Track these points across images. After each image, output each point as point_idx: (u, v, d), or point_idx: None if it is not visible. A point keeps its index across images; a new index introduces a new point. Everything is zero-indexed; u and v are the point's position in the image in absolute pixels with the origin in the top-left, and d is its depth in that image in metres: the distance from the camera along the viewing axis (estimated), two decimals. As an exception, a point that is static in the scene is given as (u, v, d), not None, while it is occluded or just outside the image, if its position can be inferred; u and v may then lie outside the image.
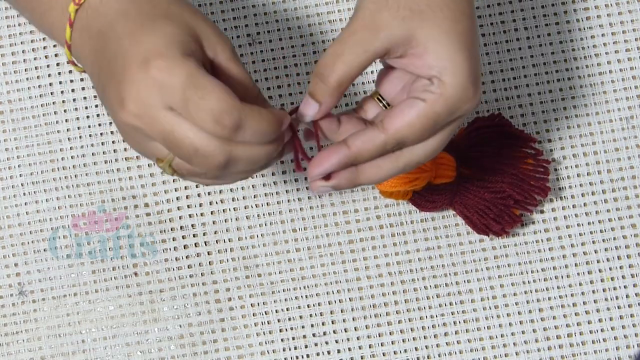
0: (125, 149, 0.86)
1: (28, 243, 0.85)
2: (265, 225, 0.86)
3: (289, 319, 0.85)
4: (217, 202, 0.86)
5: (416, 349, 0.85)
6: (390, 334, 0.85)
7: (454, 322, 0.85)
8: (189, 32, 0.60)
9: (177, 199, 0.86)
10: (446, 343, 0.85)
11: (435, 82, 0.61)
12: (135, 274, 0.85)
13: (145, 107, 0.58)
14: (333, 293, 0.85)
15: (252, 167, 0.61)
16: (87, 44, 0.63)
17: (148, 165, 0.86)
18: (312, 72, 0.63)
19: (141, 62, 0.58)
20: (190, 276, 0.85)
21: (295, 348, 0.84)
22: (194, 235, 0.86)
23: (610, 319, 0.85)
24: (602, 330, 0.85)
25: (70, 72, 0.87)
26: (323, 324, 0.85)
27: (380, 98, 0.66)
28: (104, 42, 0.61)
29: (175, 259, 0.85)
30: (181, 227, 0.86)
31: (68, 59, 0.66)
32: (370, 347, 0.84)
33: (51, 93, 0.87)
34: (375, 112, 0.66)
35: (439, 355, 0.85)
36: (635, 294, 0.85)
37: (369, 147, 0.62)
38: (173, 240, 0.86)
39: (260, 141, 0.60)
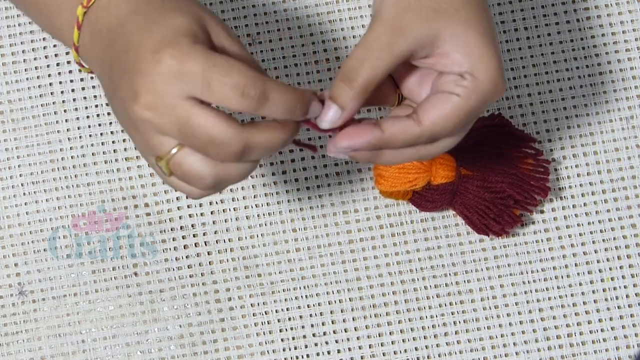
0: (125, 149, 0.86)
1: (28, 243, 0.85)
2: (265, 225, 0.86)
3: (289, 319, 0.85)
4: (217, 202, 0.86)
5: (416, 349, 0.85)
6: (390, 334, 0.85)
7: (454, 322, 0.85)
8: (197, 22, 0.60)
9: (177, 199, 0.86)
10: (446, 343, 0.85)
11: (467, 78, 0.61)
12: (135, 274, 0.85)
13: (160, 97, 0.58)
14: (333, 293, 0.85)
15: (266, 154, 0.60)
16: (97, 44, 0.63)
17: (148, 165, 0.86)
18: (335, 77, 0.62)
19: (153, 53, 0.57)
20: (190, 276, 0.85)
21: (295, 348, 0.85)
22: (194, 235, 0.86)
23: (610, 319, 0.85)
24: (602, 330, 0.85)
25: (70, 72, 0.87)
26: (323, 324, 0.85)
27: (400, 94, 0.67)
28: (114, 40, 0.61)
29: (175, 259, 0.85)
30: (181, 227, 0.86)
31: (75, 61, 0.66)
32: (370, 347, 0.84)
33: (51, 93, 0.87)
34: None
35: (439, 355, 0.85)
36: (635, 294, 0.85)
37: (403, 137, 0.61)
38: (173, 240, 0.86)
39: (286, 116, 0.59)
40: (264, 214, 0.86)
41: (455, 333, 0.85)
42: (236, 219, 0.86)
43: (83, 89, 0.87)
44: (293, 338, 0.85)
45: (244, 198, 0.86)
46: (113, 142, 0.86)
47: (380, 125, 0.62)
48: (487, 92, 0.62)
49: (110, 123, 0.86)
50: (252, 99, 0.57)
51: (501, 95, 0.63)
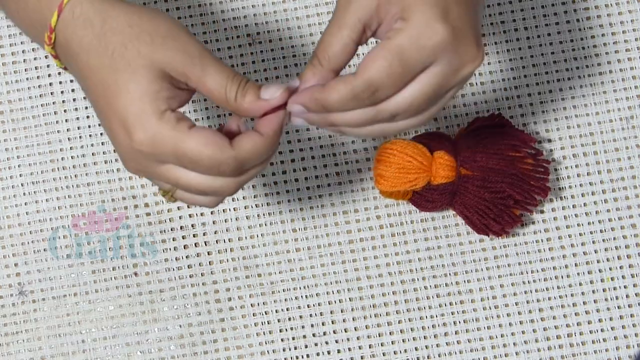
0: (125, 149, 0.86)
1: (28, 243, 0.85)
2: (265, 225, 0.86)
3: (289, 319, 0.85)
4: (217, 202, 0.86)
5: (416, 349, 0.85)
6: (390, 334, 0.85)
7: (454, 322, 0.85)
8: (157, 74, 0.61)
9: (177, 199, 0.86)
10: (446, 343, 0.85)
11: (397, 22, 0.61)
12: (135, 274, 0.85)
13: (142, 166, 0.62)
14: (333, 293, 0.85)
15: (264, 159, 0.63)
16: (69, 60, 0.64)
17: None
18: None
19: (125, 130, 0.60)
20: (190, 276, 0.85)
21: (295, 348, 0.84)
22: (194, 235, 0.86)
23: (610, 319, 0.85)
24: (602, 330, 0.85)
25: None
26: (323, 324, 0.85)
27: None
28: (82, 73, 0.62)
29: (175, 259, 0.85)
30: (181, 227, 0.86)
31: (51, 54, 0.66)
32: (370, 347, 0.84)
33: (51, 93, 0.87)
34: None
35: (439, 355, 0.85)
36: (635, 294, 0.85)
37: (343, 89, 0.61)
38: (173, 240, 0.86)
39: (264, 158, 0.63)
40: (264, 214, 0.86)
41: (455, 333, 0.85)
42: (236, 219, 0.86)
43: (83, 89, 0.87)
44: (293, 338, 0.85)
45: (244, 198, 0.86)
46: (113, 142, 0.86)
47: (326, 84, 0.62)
48: (418, 33, 0.59)
49: (110, 123, 0.86)
50: (230, 175, 0.62)
51: (443, 41, 0.60)
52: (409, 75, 0.60)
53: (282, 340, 0.85)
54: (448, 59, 0.60)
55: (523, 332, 0.85)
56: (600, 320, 0.85)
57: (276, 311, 0.85)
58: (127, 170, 0.63)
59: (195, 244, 0.85)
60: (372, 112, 0.62)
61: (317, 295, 0.85)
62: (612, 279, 0.86)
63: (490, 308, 0.85)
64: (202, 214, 0.86)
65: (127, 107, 0.60)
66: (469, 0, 0.62)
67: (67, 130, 0.86)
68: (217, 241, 0.86)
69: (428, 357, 0.85)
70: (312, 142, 0.86)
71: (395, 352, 0.84)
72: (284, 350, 0.84)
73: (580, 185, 0.87)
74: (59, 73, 0.87)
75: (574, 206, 0.86)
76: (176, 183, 0.62)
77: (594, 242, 0.86)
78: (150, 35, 0.61)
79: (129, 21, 0.61)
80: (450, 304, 0.85)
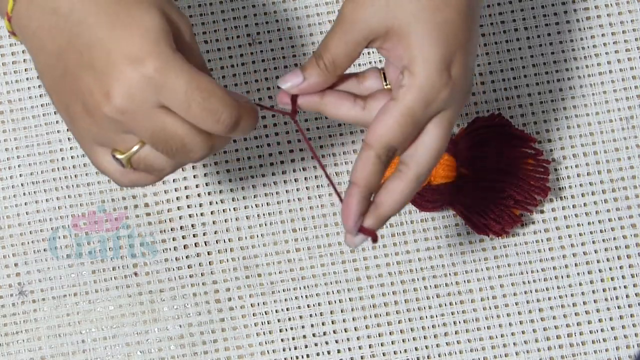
0: (125, 149, 0.86)
1: (28, 243, 0.85)
2: (265, 225, 0.86)
3: (289, 319, 0.85)
4: (217, 202, 0.86)
5: (416, 349, 0.85)
6: (390, 334, 0.85)
7: (454, 322, 0.85)
8: (163, 16, 0.60)
9: (177, 199, 0.86)
10: (446, 343, 0.85)
11: (405, 74, 0.61)
12: (135, 274, 0.85)
13: (136, 104, 0.58)
14: (333, 293, 0.85)
15: (251, 127, 0.63)
16: (38, 20, 0.61)
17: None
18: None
19: (133, 61, 0.57)
20: (190, 276, 0.85)
21: (295, 348, 0.85)
22: (194, 235, 0.86)
23: (610, 319, 0.85)
24: (602, 330, 0.85)
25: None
26: (323, 324, 0.85)
27: (385, 75, 0.67)
28: (67, 26, 0.60)
29: (175, 259, 0.85)
30: (181, 227, 0.86)
31: (8, 30, 0.63)
32: (370, 347, 0.84)
33: (51, 93, 0.87)
34: (375, 86, 0.66)
35: (439, 355, 0.85)
36: (635, 294, 0.85)
37: (368, 169, 0.62)
38: (173, 240, 0.86)
39: (245, 134, 0.62)
40: (264, 214, 0.86)
41: (455, 333, 0.85)
42: (236, 219, 0.86)
43: (83, 89, 0.87)
44: (293, 338, 0.85)
45: (244, 198, 0.86)
46: (113, 142, 0.86)
47: (350, 181, 0.63)
48: (426, 89, 0.61)
49: (110, 123, 0.86)
50: (225, 126, 0.60)
51: (444, 95, 0.61)
52: (421, 128, 0.63)
53: (282, 340, 0.85)
54: (452, 105, 0.63)
55: (523, 332, 0.85)
56: (600, 320, 0.85)
57: (276, 311, 0.85)
58: (94, 120, 0.59)
59: (195, 244, 0.85)
60: (414, 184, 0.63)
61: (317, 295, 0.85)
62: (612, 279, 0.86)
63: (490, 308, 0.85)
64: (202, 214, 0.86)
65: (142, 34, 0.58)
66: (470, 43, 0.63)
67: (67, 130, 0.86)
68: (217, 241, 0.86)
69: (428, 357, 0.85)
70: (312, 142, 0.86)
71: (395, 352, 0.84)
72: (284, 350, 0.84)
73: (580, 185, 0.87)
74: (59, 73, 0.87)
75: (574, 206, 0.86)
76: (160, 130, 0.59)
77: (594, 242, 0.86)
78: None
79: None
80: (450, 304, 0.85)
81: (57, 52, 0.61)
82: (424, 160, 0.63)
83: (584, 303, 0.85)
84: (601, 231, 0.86)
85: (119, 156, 0.61)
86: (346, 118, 0.64)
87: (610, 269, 0.86)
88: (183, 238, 0.86)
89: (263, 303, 0.85)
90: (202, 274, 0.85)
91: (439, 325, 0.85)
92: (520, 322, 0.85)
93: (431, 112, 0.62)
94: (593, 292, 0.85)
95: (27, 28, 0.62)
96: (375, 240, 0.64)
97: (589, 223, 0.86)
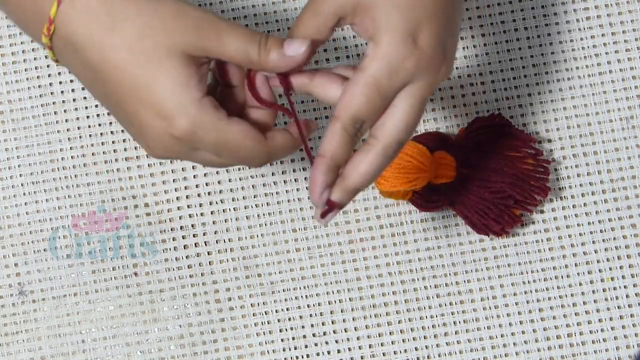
0: (125, 149, 0.86)
1: (28, 243, 0.85)
2: (265, 225, 0.86)
3: (289, 319, 0.85)
4: (217, 202, 0.86)
5: (416, 349, 0.85)
6: (390, 334, 0.85)
7: (454, 322, 0.85)
8: (182, 61, 0.60)
9: (177, 199, 0.86)
10: (446, 343, 0.85)
11: (370, 45, 0.61)
12: (135, 274, 0.85)
13: (175, 154, 0.63)
14: (333, 293, 0.85)
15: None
16: (67, 60, 0.64)
17: (148, 165, 0.86)
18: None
19: (163, 119, 0.60)
20: (190, 276, 0.85)
21: (295, 348, 0.85)
22: (194, 235, 0.86)
23: (610, 319, 0.85)
24: (602, 330, 0.85)
25: (70, 72, 0.87)
26: (323, 324, 0.85)
27: None
28: (96, 68, 0.61)
29: (175, 259, 0.85)
30: (181, 227, 0.86)
31: (52, 58, 0.65)
32: (370, 347, 0.84)
33: (51, 93, 0.87)
34: None
35: (439, 355, 0.85)
36: (635, 294, 0.85)
37: (334, 141, 0.62)
38: (173, 240, 0.86)
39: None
40: (264, 214, 0.86)
41: (455, 333, 0.85)
42: (236, 219, 0.86)
43: (83, 89, 0.87)
44: (293, 338, 0.85)
45: (244, 198, 0.86)
46: (113, 142, 0.86)
47: (318, 154, 0.63)
48: (390, 58, 0.60)
49: (111, 123, 0.86)
50: (257, 167, 0.64)
51: (409, 64, 0.61)
52: (389, 100, 0.62)
53: (282, 340, 0.85)
54: (422, 77, 0.62)
55: (523, 332, 0.85)
56: (600, 320, 0.85)
57: (276, 311, 0.85)
58: (152, 156, 0.63)
59: (195, 244, 0.85)
60: (381, 158, 0.63)
61: (317, 295, 0.85)
62: (612, 279, 0.86)
63: (490, 308, 0.85)
64: (202, 214, 0.86)
65: (165, 99, 0.60)
66: (441, 14, 0.62)
67: (67, 130, 0.86)
68: (217, 241, 0.86)
69: (428, 357, 0.85)
70: (311, 142, 0.86)
71: (395, 352, 0.84)
72: (284, 350, 0.84)
73: (580, 185, 0.87)
74: (59, 73, 0.87)
75: (574, 206, 0.86)
76: (200, 163, 0.64)
77: (594, 242, 0.86)
78: (161, 20, 0.60)
79: (138, 9, 0.60)
80: (450, 304, 0.85)
81: (98, 96, 0.64)
82: (391, 133, 0.62)
83: (584, 303, 0.85)
84: (601, 231, 0.86)
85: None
86: (334, 100, 0.64)
87: (610, 269, 0.86)
88: (183, 238, 0.86)
89: (263, 303, 0.85)
90: (202, 274, 0.85)
91: (439, 325, 0.85)
92: (520, 322, 0.85)
93: (397, 83, 0.61)
94: (593, 292, 0.85)
95: (65, 63, 0.65)
96: (340, 207, 0.63)
97: (589, 223, 0.86)
